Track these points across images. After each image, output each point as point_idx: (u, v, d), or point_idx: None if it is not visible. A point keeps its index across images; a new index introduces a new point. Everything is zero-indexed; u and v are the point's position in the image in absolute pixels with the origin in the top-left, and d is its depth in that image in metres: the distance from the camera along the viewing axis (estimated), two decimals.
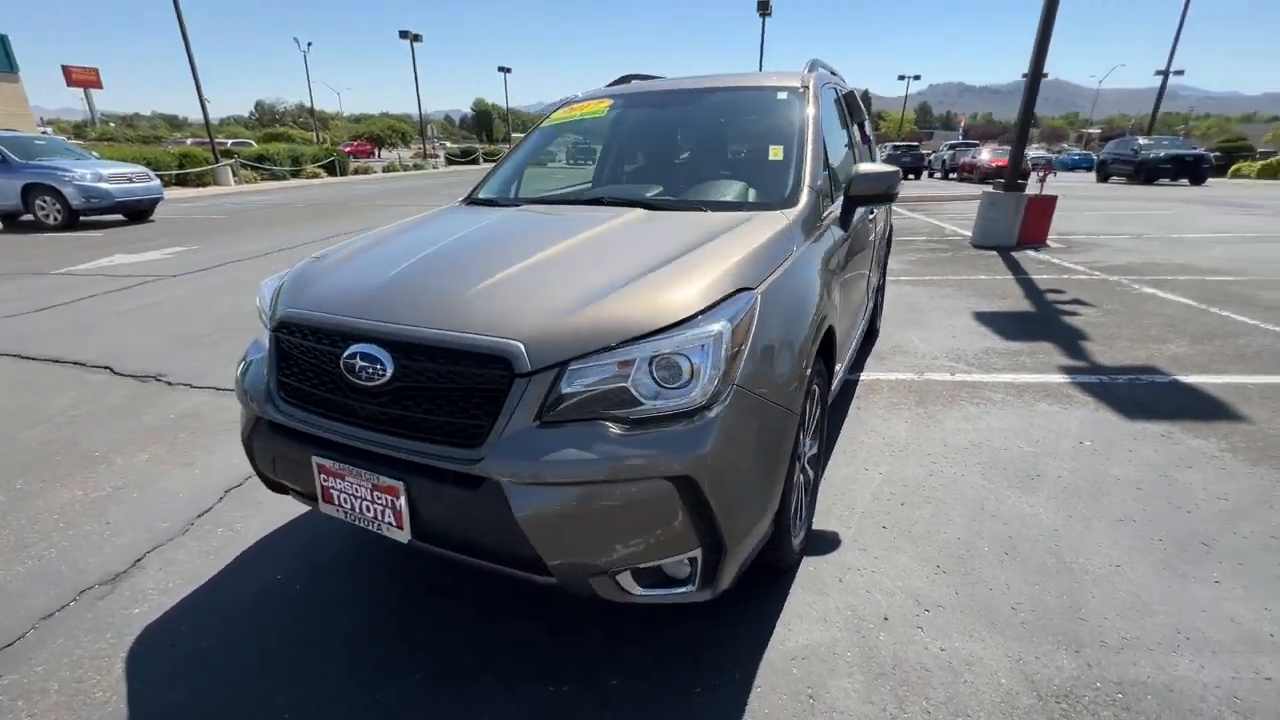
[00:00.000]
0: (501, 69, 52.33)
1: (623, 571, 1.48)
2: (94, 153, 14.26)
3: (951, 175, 27.05)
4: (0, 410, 3.52)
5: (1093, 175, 25.67)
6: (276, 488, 1.91)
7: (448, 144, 63.64)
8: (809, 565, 2.17)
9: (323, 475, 1.63)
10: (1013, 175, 8.73)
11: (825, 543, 2.29)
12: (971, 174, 23.80)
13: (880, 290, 4.60)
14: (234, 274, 7.19)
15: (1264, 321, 4.92)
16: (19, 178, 10.86)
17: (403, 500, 1.51)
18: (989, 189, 9.10)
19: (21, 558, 2.26)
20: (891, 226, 4.83)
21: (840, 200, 2.57)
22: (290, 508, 2.52)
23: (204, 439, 3.17)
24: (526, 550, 1.42)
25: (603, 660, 1.79)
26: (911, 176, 26.73)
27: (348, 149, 38.98)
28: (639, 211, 2.24)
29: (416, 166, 36.24)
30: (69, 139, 23.89)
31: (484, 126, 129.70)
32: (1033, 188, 8.96)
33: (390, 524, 1.55)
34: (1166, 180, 21.24)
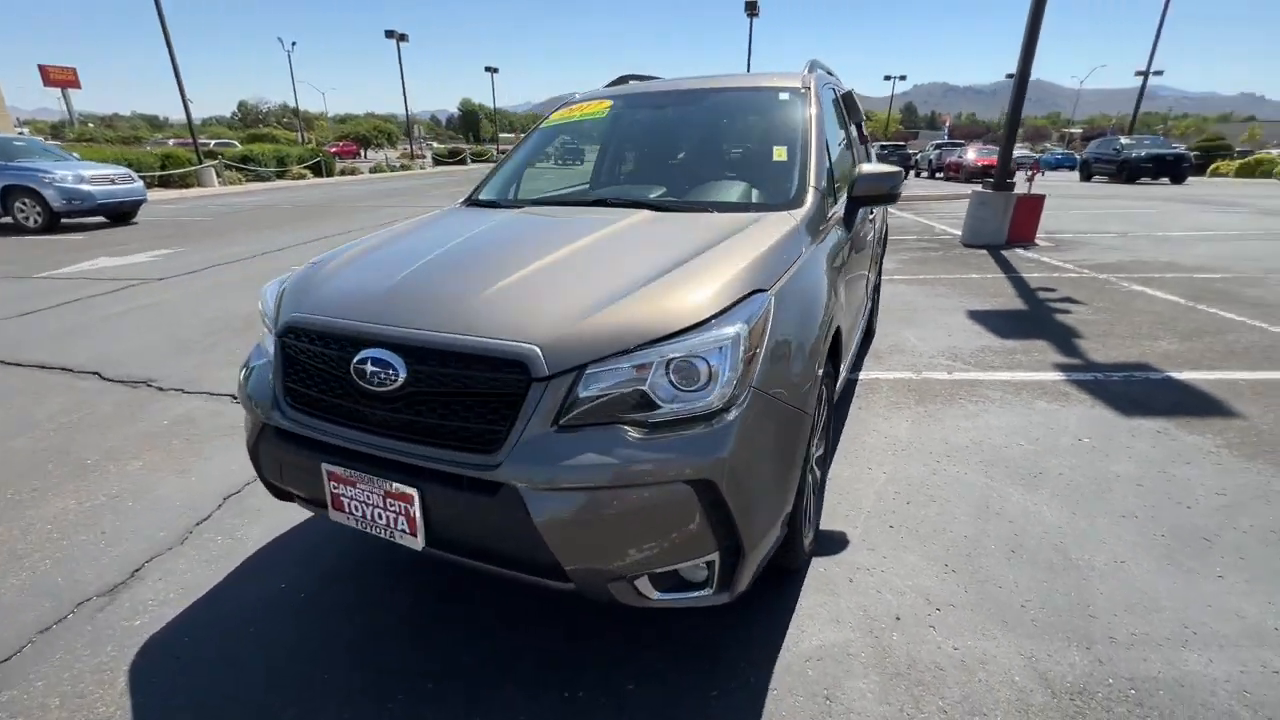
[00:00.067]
0: (489, 69, 51.94)
1: (640, 576, 1.47)
2: (74, 154, 13.98)
3: (938, 175, 27.29)
4: None
5: (1076, 174, 26.01)
6: (282, 495, 1.88)
7: (434, 144, 63.21)
8: (818, 566, 2.18)
9: (332, 482, 1.60)
10: (1002, 174, 8.82)
11: (833, 543, 2.30)
12: (958, 173, 24.01)
13: (877, 289, 4.62)
14: (222, 277, 7.08)
15: (1250, 318, 5.00)
16: None
17: (417, 507, 1.48)
18: (978, 188, 9.19)
19: (15, 569, 2.20)
20: (887, 226, 4.86)
21: (843, 201, 2.57)
22: (291, 515, 2.48)
23: (199, 445, 3.12)
24: (545, 556, 1.40)
25: (618, 665, 1.77)
26: None
27: (333, 150, 38.56)
28: (644, 213, 2.22)
29: (403, 167, 35.93)
30: (47, 140, 23.43)
31: (471, 127, 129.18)
32: (1021, 187, 9.05)
33: (404, 531, 1.53)
34: (1148, 179, 21.57)
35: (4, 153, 11.11)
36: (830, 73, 3.58)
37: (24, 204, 10.67)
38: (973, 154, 24.36)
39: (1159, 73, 34.64)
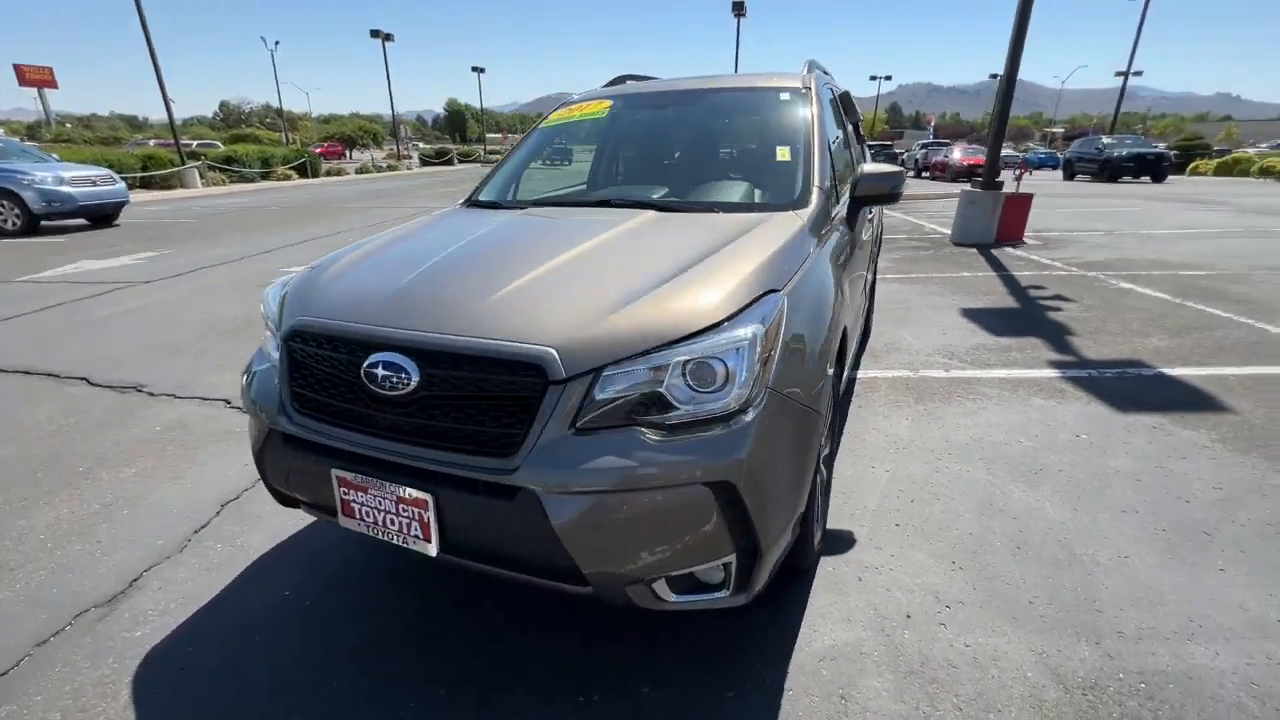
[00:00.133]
0: (475, 69, 51.72)
1: (658, 579, 1.46)
2: (53, 154, 13.71)
3: (924, 174, 27.54)
4: None
5: (1058, 173, 26.36)
6: (288, 502, 1.85)
7: (420, 145, 62.77)
8: (827, 565, 2.18)
9: (342, 488, 1.57)
10: (990, 174, 8.91)
11: (841, 542, 2.30)
12: (944, 172, 24.24)
13: (873, 288, 4.65)
14: (209, 279, 6.98)
15: (1236, 315, 5.09)
16: None
17: (431, 512, 1.46)
18: (967, 187, 9.28)
19: (8, 581, 2.15)
20: (883, 225, 4.89)
21: (845, 200, 2.58)
22: (292, 521, 2.44)
23: (193, 451, 3.06)
24: (563, 560, 1.39)
25: (633, 668, 1.76)
26: None
27: (318, 150, 38.16)
28: (650, 214, 2.21)
29: (390, 168, 35.64)
30: (23, 141, 22.96)
31: (457, 127, 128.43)
32: (1009, 186, 9.15)
33: (417, 537, 1.51)
34: (1129, 178, 21.91)
35: None
36: (826, 73, 3.60)
37: (2, 206, 10.44)
38: (958, 153, 24.62)
39: (1138, 73, 35.21)
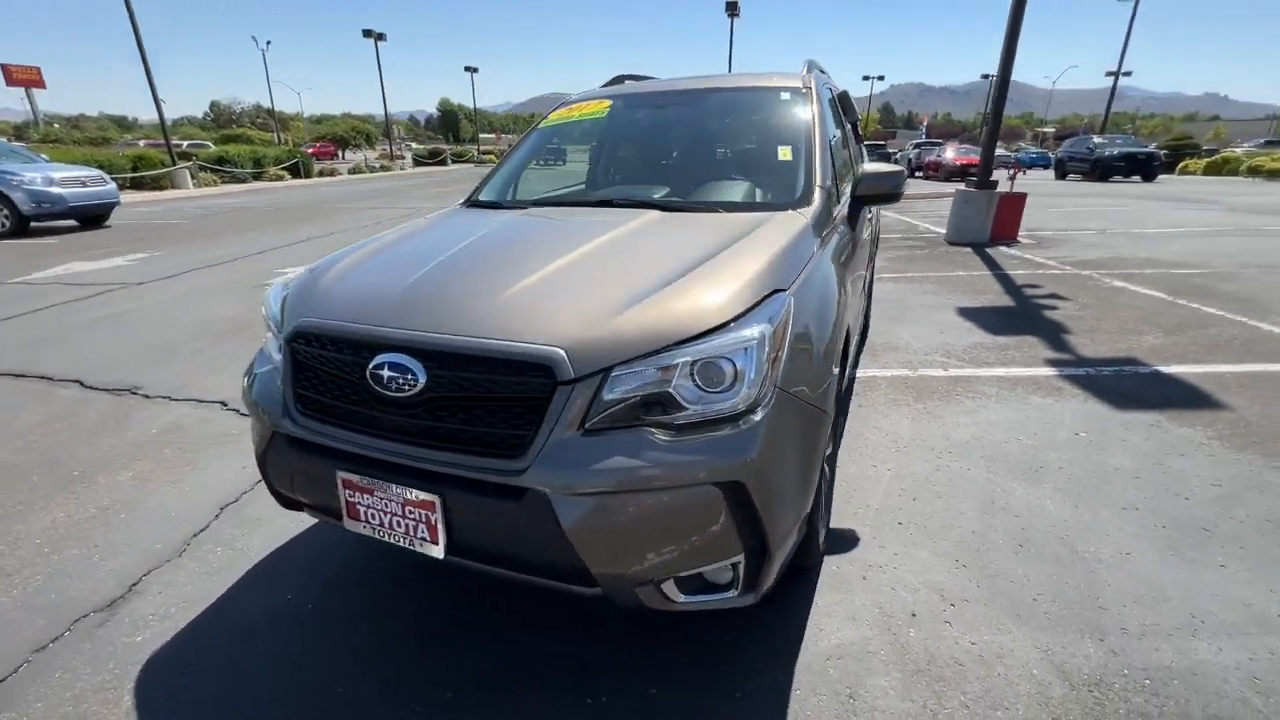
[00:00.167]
0: (468, 69, 51.60)
1: (667, 580, 1.45)
2: (43, 155, 13.58)
3: (917, 174, 27.65)
4: None
5: (1050, 173, 26.51)
6: (290, 504, 1.83)
7: (413, 145, 62.54)
8: (831, 564, 2.18)
9: (348, 490, 1.56)
10: (985, 173, 8.95)
11: (845, 541, 2.30)
12: (937, 172, 24.35)
13: (870, 287, 4.66)
14: (203, 281, 6.93)
15: (1230, 312, 5.13)
16: None
17: (438, 514, 1.45)
18: (962, 186, 9.32)
19: (5, 586, 2.12)
20: (879, 225, 4.90)
21: (846, 200, 2.58)
22: (293, 523, 2.42)
23: (191, 454, 3.04)
24: (573, 562, 1.38)
25: (639, 668, 1.76)
26: None
27: (311, 150, 37.96)
28: (653, 213, 2.21)
29: (383, 168, 35.49)
30: (10, 141, 22.73)
31: (450, 127, 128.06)
32: (1003, 186, 9.20)
33: (424, 539, 1.50)
34: (1120, 177, 22.06)
35: None
36: (824, 72, 3.60)
37: None
38: (951, 153, 24.74)
39: (1128, 73, 35.52)
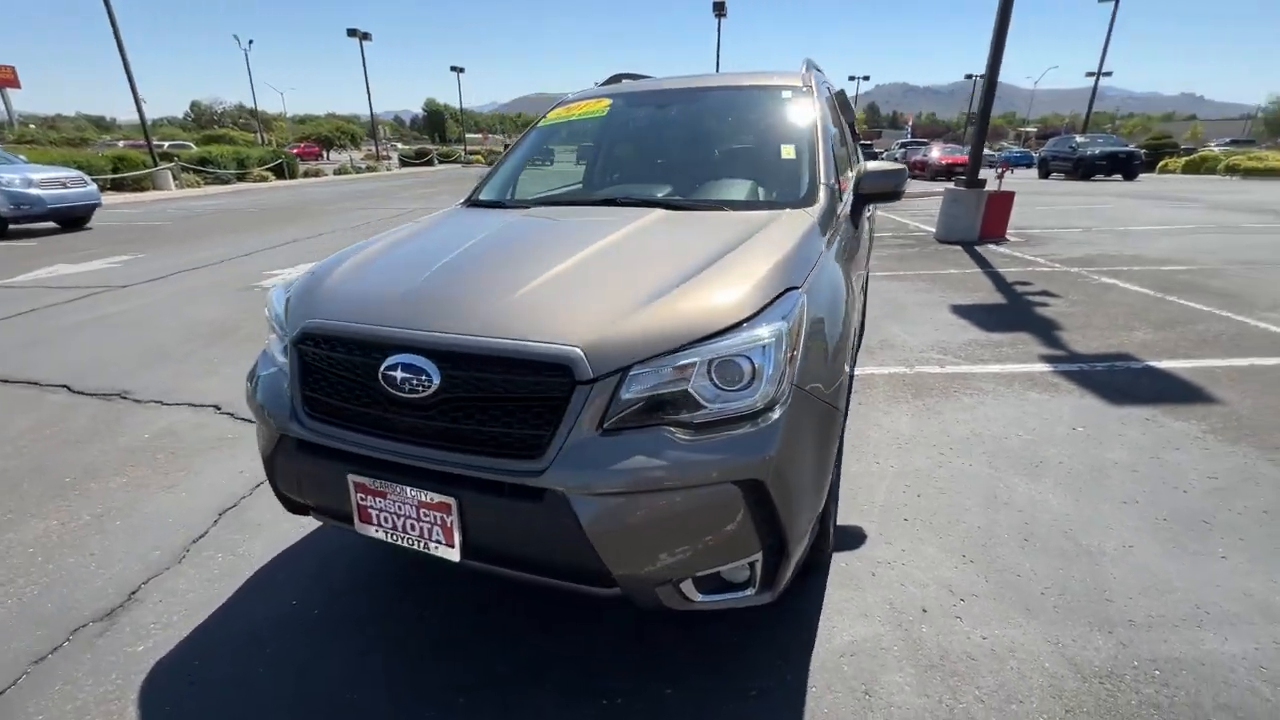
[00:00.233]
0: (454, 69, 51.16)
1: (685, 579, 1.45)
2: (21, 156, 13.30)
3: None
4: None
5: (1033, 172, 26.84)
6: (297, 509, 1.80)
7: (399, 145, 62.01)
8: (840, 561, 2.18)
9: (360, 494, 1.54)
10: (973, 173, 9.04)
11: (852, 538, 2.31)
12: (923, 171, 24.57)
13: (866, 285, 4.68)
14: (189, 283, 6.82)
15: (1217, 308, 5.22)
16: None
17: (454, 516, 1.43)
18: (951, 185, 9.41)
19: None
20: (874, 223, 4.93)
21: (849, 198, 2.59)
22: (295, 529, 2.39)
23: (185, 460, 2.98)
24: (593, 563, 1.37)
25: (653, 669, 1.75)
26: None
27: (295, 151, 37.51)
28: (659, 212, 2.20)
29: (369, 169, 35.18)
30: None
31: (436, 127, 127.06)
32: (990, 184, 9.29)
33: (439, 541, 1.48)
34: (1102, 175, 22.39)
35: None
36: (820, 71, 3.62)
37: None
38: (937, 152, 24.99)
39: (1108, 74, 36.06)
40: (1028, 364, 4.04)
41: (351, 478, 1.53)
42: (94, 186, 11.65)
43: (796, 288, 1.61)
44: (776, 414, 1.41)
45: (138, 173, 19.74)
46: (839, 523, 2.38)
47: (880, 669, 1.74)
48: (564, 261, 1.71)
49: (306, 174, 29.04)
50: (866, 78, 68.91)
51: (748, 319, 1.45)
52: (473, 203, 2.77)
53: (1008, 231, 9.16)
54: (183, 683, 1.73)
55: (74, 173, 11.59)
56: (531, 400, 1.39)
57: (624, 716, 1.62)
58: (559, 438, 1.35)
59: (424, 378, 1.42)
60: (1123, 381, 3.71)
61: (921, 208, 12.82)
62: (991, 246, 8.53)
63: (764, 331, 1.42)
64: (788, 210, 2.15)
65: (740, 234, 1.87)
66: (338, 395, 1.58)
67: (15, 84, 39.25)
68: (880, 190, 2.51)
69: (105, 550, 2.31)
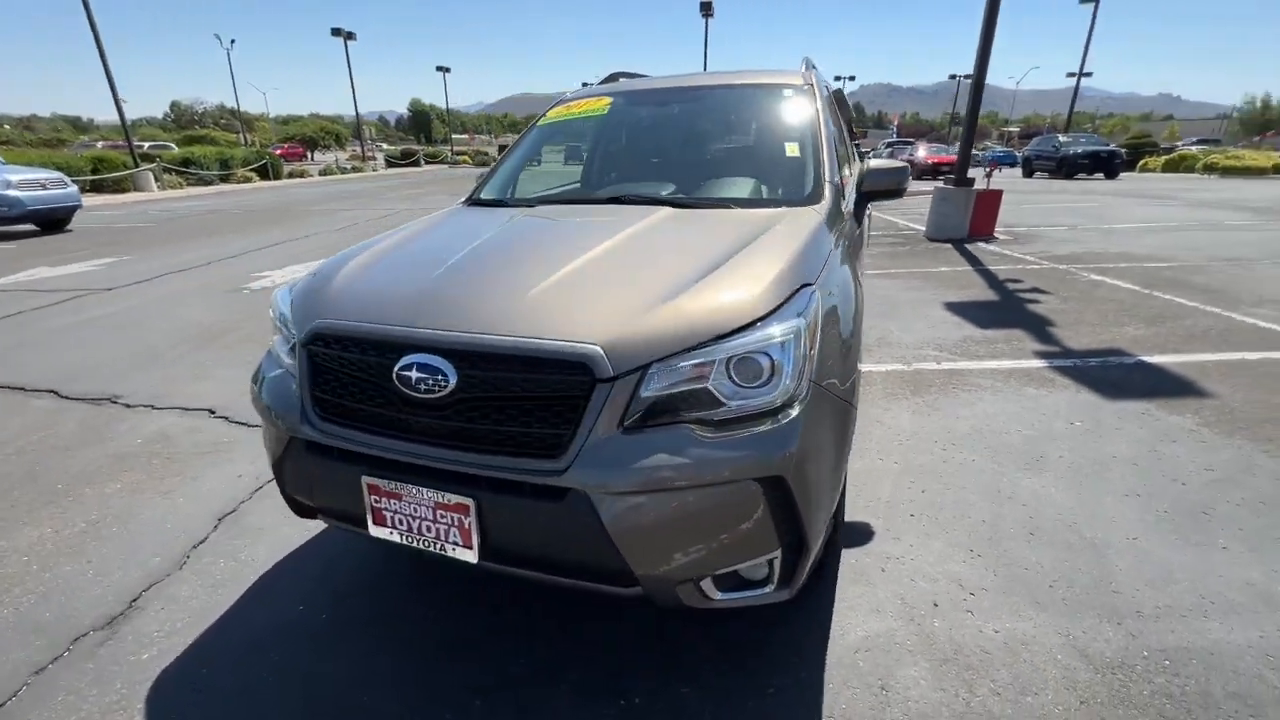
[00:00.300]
0: (440, 69, 50.83)
1: (705, 577, 1.44)
2: None
3: None
4: None
5: (1017, 171, 27.17)
6: (305, 512, 1.77)
7: (385, 146, 61.50)
8: (849, 557, 2.19)
9: (374, 496, 1.51)
10: (962, 171, 9.13)
11: (860, 534, 2.32)
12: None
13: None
14: (176, 285, 6.70)
15: (1203, 304, 5.31)
16: None
17: (472, 517, 1.42)
18: (940, 184, 9.49)
19: None
20: (870, 221, 4.96)
21: (851, 195, 2.60)
22: (296, 532, 2.35)
23: (180, 464, 2.93)
24: (615, 562, 1.35)
25: (669, 668, 1.74)
26: None
27: (279, 151, 37.05)
28: (666, 210, 2.19)
29: (355, 169, 34.84)
30: None
31: (422, 127, 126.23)
32: (979, 183, 9.39)
33: (456, 543, 1.46)
34: (1084, 174, 22.72)
35: None
36: (818, 69, 3.63)
37: None
38: (923, 152, 25.22)
39: (1089, 74, 36.60)
40: (1023, 360, 4.08)
41: (365, 479, 1.51)
42: (74, 188, 11.43)
43: (810, 284, 1.61)
44: (796, 410, 1.41)
45: (118, 174, 19.40)
46: (846, 519, 2.38)
47: (895, 664, 1.74)
48: (575, 260, 1.70)
49: (291, 175, 28.70)
50: (852, 78, 69.53)
51: (764, 316, 1.44)
52: (475, 201, 2.74)
53: (996, 229, 9.27)
54: (189, 691, 1.70)
55: (53, 174, 11.36)
56: (551, 399, 1.37)
57: (643, 716, 1.61)
58: (580, 436, 1.34)
59: (440, 378, 1.40)
60: (1116, 376, 3.76)
61: (909, 205, 12.93)
62: (981, 244, 8.62)
63: (782, 328, 1.42)
64: (794, 208, 2.15)
65: (749, 232, 1.87)
66: (350, 396, 1.55)
67: None
68: (883, 188, 2.52)
69: (102, 557, 2.26)
